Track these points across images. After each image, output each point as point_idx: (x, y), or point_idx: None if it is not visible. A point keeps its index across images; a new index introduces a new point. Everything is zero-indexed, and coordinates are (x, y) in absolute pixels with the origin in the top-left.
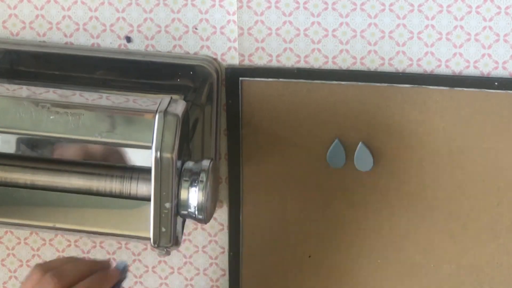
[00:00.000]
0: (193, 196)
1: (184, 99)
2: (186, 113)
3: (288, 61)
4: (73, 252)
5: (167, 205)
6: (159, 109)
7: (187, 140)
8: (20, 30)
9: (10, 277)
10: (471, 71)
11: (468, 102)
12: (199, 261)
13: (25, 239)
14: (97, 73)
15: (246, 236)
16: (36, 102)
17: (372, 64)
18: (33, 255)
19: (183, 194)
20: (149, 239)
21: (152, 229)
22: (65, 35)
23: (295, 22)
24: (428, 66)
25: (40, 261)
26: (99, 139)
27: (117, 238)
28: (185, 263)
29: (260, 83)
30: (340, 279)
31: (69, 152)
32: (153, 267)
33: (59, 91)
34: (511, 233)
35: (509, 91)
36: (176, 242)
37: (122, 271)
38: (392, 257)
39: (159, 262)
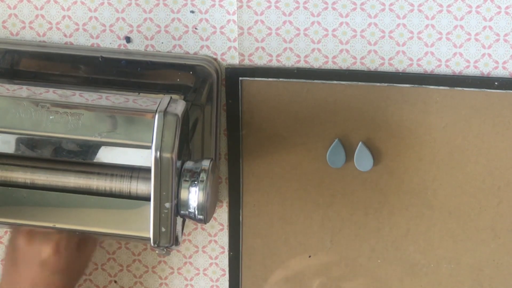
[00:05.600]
0: (193, 196)
1: (184, 99)
2: (186, 113)
3: (288, 61)
4: None
5: (167, 205)
6: (159, 109)
7: (187, 140)
8: (20, 30)
9: None
10: (471, 71)
11: (468, 102)
12: (199, 261)
13: None
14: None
15: (246, 236)
16: (36, 102)
17: (372, 64)
18: None
19: (183, 194)
20: (149, 239)
21: (152, 229)
22: (65, 35)
23: (295, 22)
24: (428, 66)
25: None
26: (99, 139)
27: (117, 238)
28: (185, 263)
29: (260, 83)
30: (341, 279)
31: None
32: (153, 267)
33: (59, 91)
34: (511, 233)
35: (509, 91)
36: (176, 242)
37: None
38: (392, 257)
39: (159, 262)
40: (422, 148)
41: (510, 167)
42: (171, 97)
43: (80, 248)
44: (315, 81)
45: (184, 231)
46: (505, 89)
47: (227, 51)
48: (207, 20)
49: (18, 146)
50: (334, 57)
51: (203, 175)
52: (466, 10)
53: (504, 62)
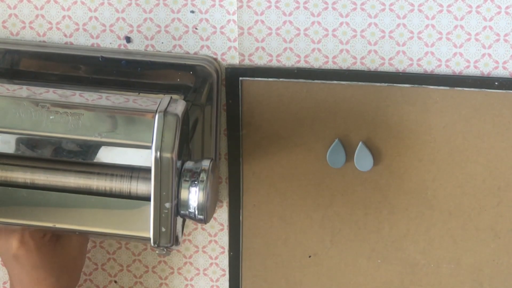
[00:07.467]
0: (193, 196)
1: (184, 99)
2: (186, 113)
3: (288, 61)
4: None
5: (167, 205)
6: (159, 109)
7: (187, 140)
8: (20, 30)
9: None
10: (471, 71)
11: (468, 102)
12: (199, 261)
13: None
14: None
15: (246, 236)
16: (36, 102)
17: (372, 64)
18: None
19: (183, 194)
20: (149, 239)
21: (152, 229)
22: (65, 35)
23: (295, 22)
24: (428, 66)
25: None
26: (99, 139)
27: (117, 238)
28: (185, 263)
29: (260, 83)
30: (340, 279)
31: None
32: (153, 267)
33: (59, 91)
34: (511, 233)
35: (509, 91)
36: (176, 242)
37: None
38: (392, 257)
39: (159, 262)
40: (422, 148)
41: (510, 167)
42: (171, 97)
43: (60, 243)
44: (315, 81)
45: (184, 231)
46: (505, 89)
47: (227, 51)
48: (207, 20)
49: (18, 146)
50: (334, 57)
51: (203, 175)
52: (466, 10)
53: (504, 62)
